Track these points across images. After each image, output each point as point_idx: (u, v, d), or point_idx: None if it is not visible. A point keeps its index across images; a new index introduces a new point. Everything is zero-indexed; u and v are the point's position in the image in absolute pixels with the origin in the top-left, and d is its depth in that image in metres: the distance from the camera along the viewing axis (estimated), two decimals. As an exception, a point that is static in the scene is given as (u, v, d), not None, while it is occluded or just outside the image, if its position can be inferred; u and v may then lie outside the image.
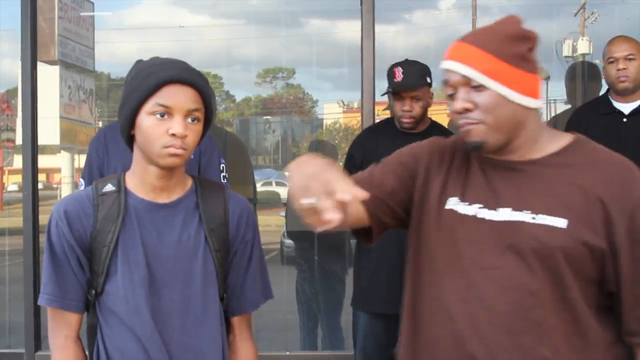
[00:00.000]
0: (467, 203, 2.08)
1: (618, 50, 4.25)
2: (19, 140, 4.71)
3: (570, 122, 4.45)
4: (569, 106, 5.77)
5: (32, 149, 4.57)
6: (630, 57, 4.23)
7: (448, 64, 2.03)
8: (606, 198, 1.94)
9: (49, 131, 12.39)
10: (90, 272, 2.23)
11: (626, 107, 4.29)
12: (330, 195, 1.69)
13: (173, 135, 2.13)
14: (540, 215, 1.97)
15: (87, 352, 2.30)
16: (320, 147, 5.99)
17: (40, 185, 4.90)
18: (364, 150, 4.24)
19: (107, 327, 2.23)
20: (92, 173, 3.49)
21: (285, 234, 7.17)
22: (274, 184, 12.39)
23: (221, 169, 3.69)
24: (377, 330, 4.33)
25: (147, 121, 2.15)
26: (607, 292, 1.99)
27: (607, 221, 1.94)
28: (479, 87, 1.97)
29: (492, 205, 2.04)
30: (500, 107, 1.98)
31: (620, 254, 1.94)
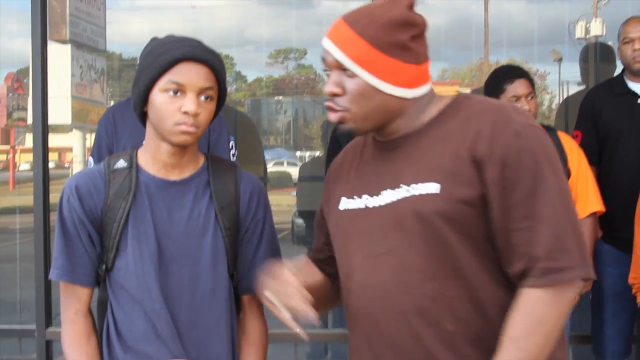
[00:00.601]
0: (356, 197, 2.01)
1: (634, 30, 4.21)
2: (30, 120, 4.68)
3: (584, 102, 4.42)
4: (582, 87, 5.73)
5: (43, 126, 4.56)
6: None
7: (325, 43, 1.93)
8: (477, 149, 1.83)
9: (60, 110, 12.42)
10: (101, 248, 2.24)
11: (641, 88, 4.26)
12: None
13: (185, 113, 2.12)
14: (413, 185, 1.88)
15: (97, 326, 2.31)
16: (331, 127, 5.96)
17: (52, 164, 4.91)
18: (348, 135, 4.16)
19: (116, 302, 2.24)
20: (102, 152, 3.49)
21: (297, 213, 7.16)
22: (285, 164, 12.40)
23: (230, 146, 3.68)
24: None
25: (159, 98, 2.14)
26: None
27: (479, 172, 1.83)
28: (351, 73, 1.88)
29: (375, 191, 1.97)
30: (367, 97, 1.89)
31: (492, 203, 1.82)
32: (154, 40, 2.27)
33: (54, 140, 5.02)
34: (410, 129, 1.95)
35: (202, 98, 2.15)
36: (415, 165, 1.91)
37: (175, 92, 2.13)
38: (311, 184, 6.27)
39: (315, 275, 2.22)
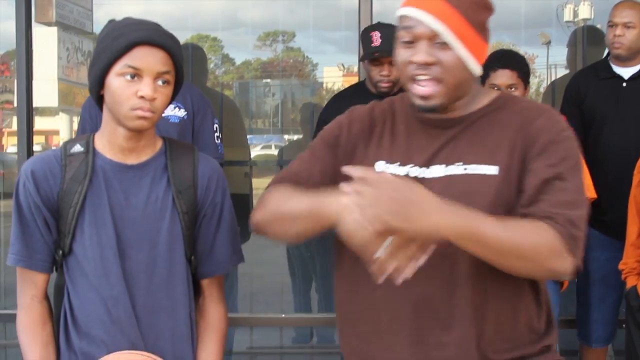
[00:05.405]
0: (397, 164, 2.01)
1: (619, 15, 4.18)
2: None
3: (569, 86, 4.40)
4: (570, 70, 5.72)
5: (27, 108, 4.56)
6: (629, 24, 4.16)
7: (415, 13, 1.91)
8: (524, 140, 1.94)
9: (47, 93, 12.37)
10: (58, 233, 2.23)
11: (626, 72, 4.23)
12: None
13: (142, 97, 2.11)
14: (473, 165, 1.93)
15: (54, 312, 2.30)
16: (317, 111, 5.95)
17: (39, 148, 4.88)
18: (338, 116, 4.14)
19: (73, 288, 2.23)
20: (86, 136, 3.47)
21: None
22: (273, 147, 12.39)
23: (215, 129, 3.67)
24: None
25: (116, 82, 2.13)
26: None
27: (524, 162, 1.92)
28: (444, 45, 1.89)
29: (424, 164, 1.98)
30: (458, 70, 1.92)
31: (530, 172, 1.91)
32: (111, 22, 2.25)
33: (40, 123, 5.00)
34: (466, 112, 2.02)
35: (159, 82, 2.14)
36: (474, 147, 1.97)
37: (132, 77, 2.12)
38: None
39: None
